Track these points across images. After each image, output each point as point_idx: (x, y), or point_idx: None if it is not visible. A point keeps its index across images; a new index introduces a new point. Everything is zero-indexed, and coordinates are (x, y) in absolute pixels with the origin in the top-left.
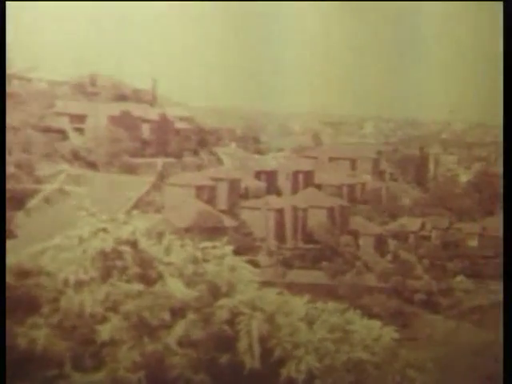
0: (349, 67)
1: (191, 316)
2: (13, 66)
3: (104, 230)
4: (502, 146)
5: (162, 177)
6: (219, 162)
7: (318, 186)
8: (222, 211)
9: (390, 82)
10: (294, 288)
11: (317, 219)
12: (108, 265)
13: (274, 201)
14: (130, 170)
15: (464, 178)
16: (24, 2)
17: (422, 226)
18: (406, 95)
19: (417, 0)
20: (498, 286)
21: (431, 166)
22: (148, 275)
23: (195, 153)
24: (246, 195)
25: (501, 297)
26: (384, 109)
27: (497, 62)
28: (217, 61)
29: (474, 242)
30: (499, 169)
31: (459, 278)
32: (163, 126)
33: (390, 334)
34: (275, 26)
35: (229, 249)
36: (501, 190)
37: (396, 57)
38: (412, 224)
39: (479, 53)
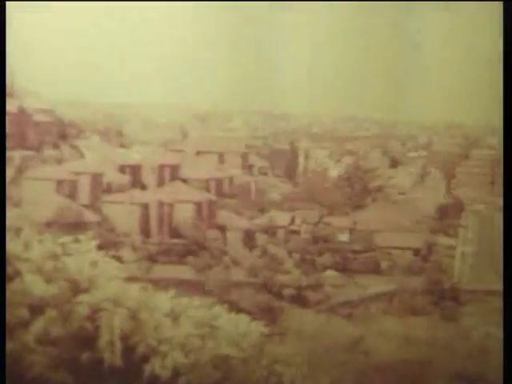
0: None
1: (50, 313)
2: None
3: None
4: (503, 146)
5: (20, 170)
6: (81, 155)
7: (185, 180)
8: (84, 206)
9: (258, 74)
10: (159, 283)
11: (183, 214)
12: None
13: (138, 195)
14: None
15: (334, 172)
16: (23, 1)
17: (292, 221)
18: (274, 87)
19: (416, 0)
20: (366, 281)
21: (301, 160)
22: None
23: (55, 146)
24: (109, 189)
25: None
26: (252, 102)
27: (496, 62)
28: (78, 52)
29: (344, 237)
30: (370, 163)
31: (329, 272)
32: (21, 118)
33: (258, 329)
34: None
35: (90, 244)
36: (501, 190)
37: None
38: (281, 218)
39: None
